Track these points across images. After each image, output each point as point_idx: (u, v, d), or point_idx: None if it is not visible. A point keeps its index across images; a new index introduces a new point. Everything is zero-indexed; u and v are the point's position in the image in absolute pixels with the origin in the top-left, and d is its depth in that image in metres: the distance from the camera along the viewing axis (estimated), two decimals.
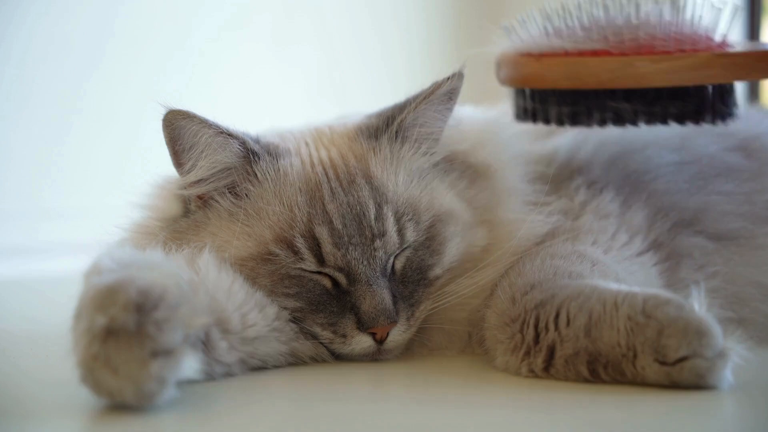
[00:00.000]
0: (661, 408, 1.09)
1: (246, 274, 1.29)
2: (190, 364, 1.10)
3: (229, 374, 1.25)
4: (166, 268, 1.19)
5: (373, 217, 1.30)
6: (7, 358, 1.45)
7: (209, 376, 1.22)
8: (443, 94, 1.35)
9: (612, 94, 1.33)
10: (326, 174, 1.33)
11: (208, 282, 1.24)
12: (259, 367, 1.29)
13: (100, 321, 1.06)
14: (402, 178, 1.35)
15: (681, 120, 1.32)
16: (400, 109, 1.37)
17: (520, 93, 1.45)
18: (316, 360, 1.33)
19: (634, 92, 1.32)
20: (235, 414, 1.10)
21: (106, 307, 1.07)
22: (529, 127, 1.53)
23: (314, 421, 1.09)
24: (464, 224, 1.38)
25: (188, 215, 1.35)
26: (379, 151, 1.36)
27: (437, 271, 1.35)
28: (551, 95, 1.38)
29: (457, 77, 1.35)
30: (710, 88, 1.31)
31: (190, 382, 1.14)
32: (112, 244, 1.33)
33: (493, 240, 1.39)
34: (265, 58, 3.44)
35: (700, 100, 1.31)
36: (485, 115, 1.58)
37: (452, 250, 1.36)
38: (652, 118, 1.33)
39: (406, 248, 1.32)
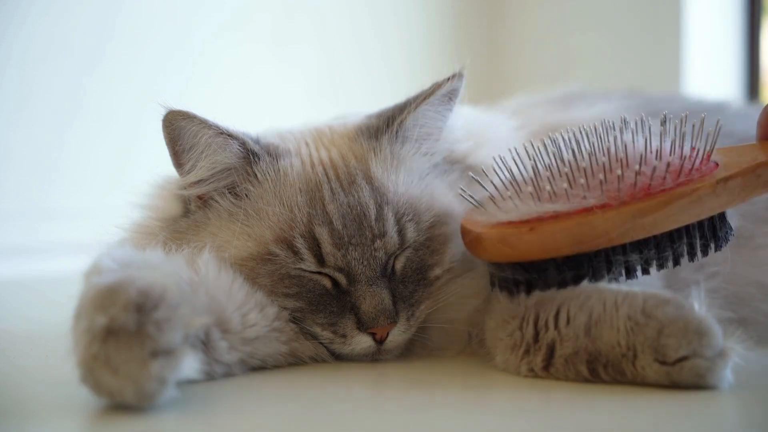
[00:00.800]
0: (661, 408, 1.09)
1: (246, 274, 1.29)
2: (190, 364, 1.10)
3: (229, 374, 1.25)
4: (166, 268, 1.19)
5: (373, 217, 1.30)
6: (7, 358, 1.45)
7: (209, 376, 1.22)
8: (443, 94, 1.35)
9: (619, 248, 1.18)
10: (326, 174, 1.33)
11: (208, 282, 1.24)
12: (259, 367, 1.29)
13: (100, 321, 1.06)
14: (402, 178, 1.36)
15: (692, 257, 1.21)
16: (400, 109, 1.37)
17: (507, 266, 1.26)
18: (316, 360, 1.33)
19: (641, 242, 1.18)
20: (235, 414, 1.10)
21: (106, 306, 1.07)
22: (528, 126, 1.53)
23: (314, 421, 1.09)
24: None
25: (188, 215, 1.35)
26: (380, 151, 1.36)
27: (437, 271, 1.35)
28: (549, 262, 1.22)
29: (457, 78, 1.35)
30: (708, 219, 1.20)
31: (190, 382, 1.14)
32: (112, 244, 1.33)
33: None
34: (265, 58, 3.44)
35: (703, 231, 1.20)
36: (484, 115, 1.58)
37: (452, 250, 1.36)
38: (663, 263, 1.20)
39: (406, 248, 1.33)
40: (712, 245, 1.21)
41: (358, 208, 1.30)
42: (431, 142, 1.39)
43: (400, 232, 1.31)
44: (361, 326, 1.28)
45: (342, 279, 1.29)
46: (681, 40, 3.28)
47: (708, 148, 1.20)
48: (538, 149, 1.25)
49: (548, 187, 1.21)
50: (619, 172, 1.18)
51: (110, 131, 3.15)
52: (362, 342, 1.29)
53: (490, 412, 1.11)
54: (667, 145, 1.20)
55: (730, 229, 1.24)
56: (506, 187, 1.26)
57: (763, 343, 1.37)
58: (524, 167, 1.26)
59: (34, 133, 3.04)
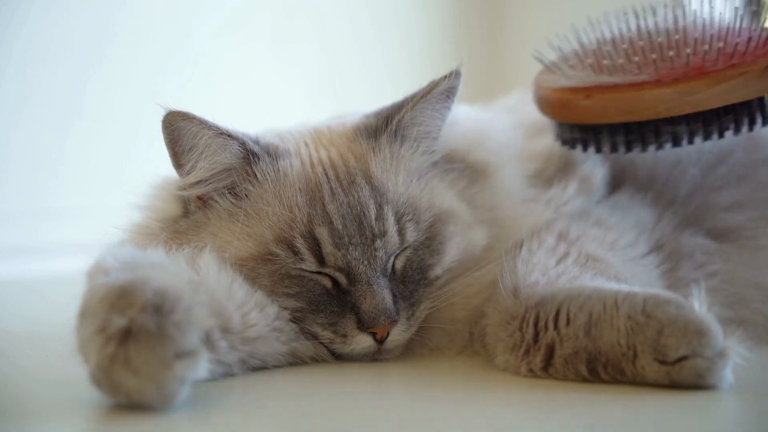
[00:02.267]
0: (660, 408, 1.09)
1: (246, 275, 1.29)
2: (204, 365, 1.10)
3: (229, 374, 1.25)
4: (172, 268, 1.19)
5: (373, 217, 1.30)
6: (7, 358, 1.45)
7: (209, 376, 1.22)
8: (440, 92, 1.35)
9: (668, 119, 1.31)
10: (326, 174, 1.33)
11: (209, 281, 1.24)
12: (259, 367, 1.29)
13: (117, 322, 1.06)
14: (402, 178, 1.36)
15: (736, 131, 1.32)
16: (398, 108, 1.37)
17: (566, 125, 1.42)
18: (316, 360, 1.33)
19: (689, 115, 1.30)
20: (234, 414, 1.10)
21: (122, 307, 1.07)
22: (526, 124, 1.53)
23: (314, 422, 1.09)
24: (464, 224, 1.38)
25: (188, 216, 1.35)
26: (379, 151, 1.36)
27: (437, 270, 1.35)
28: (603, 127, 1.36)
29: (455, 76, 1.35)
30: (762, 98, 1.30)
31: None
32: (113, 244, 1.32)
33: (494, 239, 1.39)
34: (265, 58, 3.44)
35: (750, 110, 1.30)
36: (482, 113, 1.58)
37: (452, 249, 1.36)
38: (708, 135, 1.31)
39: (406, 248, 1.33)
40: (759, 122, 1.31)
41: (358, 207, 1.30)
42: (430, 141, 1.39)
43: (400, 231, 1.31)
44: (362, 326, 1.28)
45: (342, 279, 1.29)
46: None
47: (764, 33, 1.30)
48: (604, 23, 1.39)
49: (606, 60, 1.34)
50: (672, 52, 1.29)
51: (110, 131, 3.14)
52: (363, 342, 1.29)
53: (490, 411, 1.11)
54: (723, 27, 1.30)
55: None
56: (573, 56, 1.40)
57: (763, 344, 1.37)
58: (589, 38, 1.40)
59: (34, 133, 3.04)
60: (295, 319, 1.31)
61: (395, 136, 1.37)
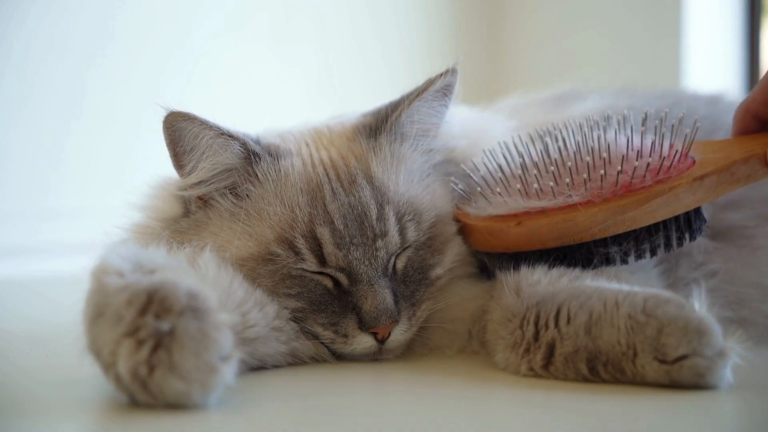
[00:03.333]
0: (661, 408, 1.09)
1: (247, 275, 1.29)
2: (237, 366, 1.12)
3: None
4: (183, 269, 1.19)
5: (374, 217, 1.30)
6: (7, 358, 1.45)
7: None
8: (437, 90, 1.35)
9: (600, 241, 1.27)
10: (327, 174, 1.33)
11: (208, 280, 1.24)
12: (258, 367, 1.29)
13: (156, 326, 1.05)
14: (402, 177, 1.36)
15: (668, 248, 1.29)
16: (394, 106, 1.37)
17: (495, 256, 1.35)
18: (316, 360, 1.33)
19: (621, 236, 1.27)
20: (233, 414, 1.10)
21: (157, 311, 1.06)
22: (524, 126, 1.53)
23: (314, 422, 1.09)
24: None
25: (189, 215, 1.35)
26: (379, 150, 1.36)
27: (439, 271, 1.35)
28: (536, 253, 1.31)
29: (451, 73, 1.35)
30: (684, 213, 1.27)
31: None
32: (114, 243, 1.32)
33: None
34: (265, 58, 3.45)
35: (678, 225, 1.28)
36: (481, 115, 1.58)
37: (453, 250, 1.36)
38: (641, 254, 1.28)
39: (407, 248, 1.33)
40: (687, 237, 1.28)
41: (359, 207, 1.30)
42: (429, 140, 1.39)
43: (401, 231, 1.32)
44: (363, 326, 1.28)
45: (343, 279, 1.29)
46: (681, 39, 3.28)
47: (686, 146, 1.27)
48: (526, 145, 1.34)
49: (535, 185, 1.29)
50: (602, 171, 1.26)
51: (110, 131, 3.15)
52: (364, 342, 1.29)
53: (490, 412, 1.11)
54: (647, 143, 1.27)
55: (704, 221, 1.30)
56: (496, 182, 1.34)
57: (763, 344, 1.37)
58: (513, 163, 1.34)
59: (34, 133, 3.04)
60: (295, 319, 1.31)
61: (394, 135, 1.37)
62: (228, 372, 1.08)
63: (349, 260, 1.28)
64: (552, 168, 1.29)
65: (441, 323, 1.36)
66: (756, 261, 1.44)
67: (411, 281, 1.33)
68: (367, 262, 1.28)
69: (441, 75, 1.35)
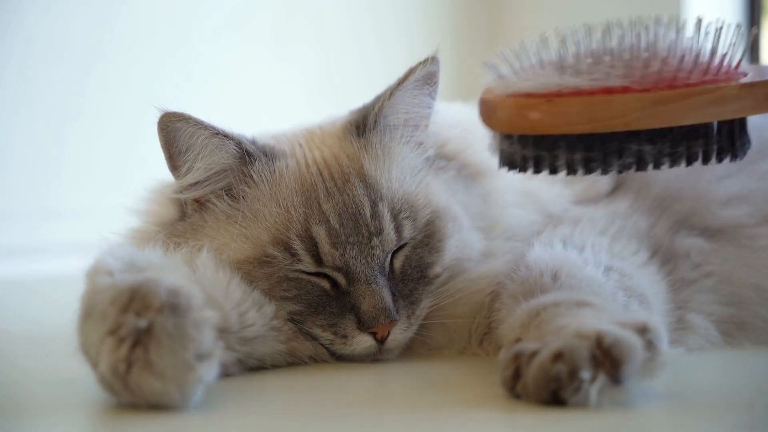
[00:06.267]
0: (661, 407, 1.09)
1: (244, 277, 1.29)
2: (217, 365, 1.11)
3: (225, 374, 1.24)
4: (176, 269, 1.19)
5: (368, 215, 1.30)
6: (7, 358, 1.45)
7: None
8: (418, 79, 1.34)
9: (633, 135, 1.17)
10: (321, 174, 1.33)
11: (206, 280, 1.24)
12: (256, 367, 1.29)
13: (134, 323, 1.05)
14: (395, 174, 1.35)
15: (705, 159, 1.20)
16: (377, 98, 1.37)
17: (514, 139, 1.23)
18: (315, 360, 1.33)
19: (657, 133, 1.17)
20: (232, 415, 1.10)
21: (137, 309, 1.06)
22: None
23: (313, 423, 1.09)
24: (462, 226, 1.38)
25: (185, 218, 1.35)
26: (370, 147, 1.36)
27: (437, 268, 1.35)
28: (560, 141, 1.19)
29: (431, 61, 1.34)
30: (728, 123, 1.19)
31: None
32: (111, 245, 1.32)
33: (490, 247, 1.39)
34: (265, 57, 3.44)
35: (721, 137, 1.20)
36: (475, 111, 1.57)
37: (451, 247, 1.36)
38: (676, 160, 1.19)
39: (403, 245, 1.32)
40: (729, 153, 1.20)
41: (353, 206, 1.30)
42: (418, 132, 1.39)
43: (397, 229, 1.31)
44: (362, 326, 1.28)
45: (341, 279, 1.29)
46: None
47: (739, 55, 1.20)
48: (568, 32, 1.23)
49: (572, 62, 1.20)
50: (645, 59, 1.17)
51: (110, 131, 3.14)
52: (363, 342, 1.29)
53: (490, 413, 1.11)
54: (696, 45, 1.20)
55: (749, 142, 1.22)
56: (529, 59, 1.23)
57: (760, 346, 1.37)
58: (551, 46, 1.23)
59: (34, 133, 3.04)
60: (294, 321, 1.31)
61: (381, 128, 1.36)
62: (205, 370, 1.07)
63: (345, 259, 1.28)
64: (592, 48, 1.21)
65: (441, 319, 1.35)
66: (756, 262, 1.43)
67: (409, 280, 1.33)
68: (363, 261, 1.28)
69: (420, 64, 1.34)
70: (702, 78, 1.18)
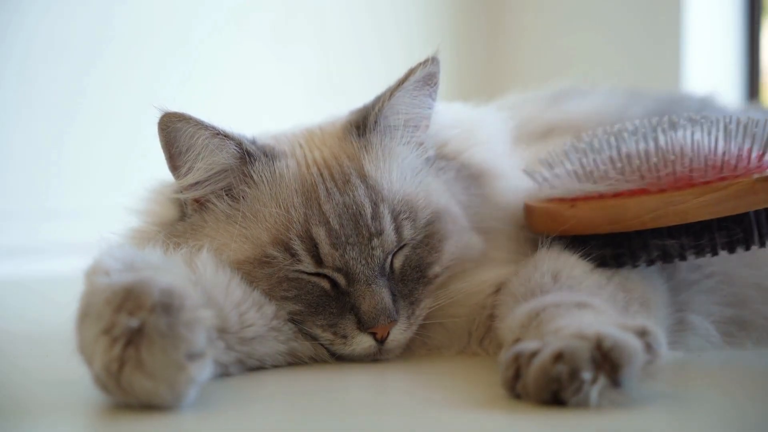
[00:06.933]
0: (661, 407, 1.09)
1: (244, 277, 1.29)
2: (211, 365, 1.11)
3: (225, 374, 1.25)
4: (175, 269, 1.19)
5: (369, 216, 1.30)
6: (7, 358, 1.45)
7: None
8: (418, 80, 1.34)
9: (656, 232, 1.26)
10: (321, 175, 1.33)
11: (206, 280, 1.24)
12: (256, 367, 1.29)
13: (127, 322, 1.06)
14: (396, 174, 1.35)
15: (731, 249, 1.26)
16: (377, 99, 1.37)
17: (555, 238, 1.35)
18: (315, 360, 1.33)
19: (678, 228, 1.25)
20: (232, 415, 1.10)
21: (130, 308, 1.06)
22: (521, 124, 1.53)
23: (313, 422, 1.09)
24: (461, 227, 1.38)
25: (185, 219, 1.35)
26: (371, 148, 1.36)
27: (436, 269, 1.35)
28: (591, 239, 1.31)
29: (431, 62, 1.34)
30: (753, 214, 1.24)
31: None
32: (111, 245, 1.32)
33: (490, 247, 1.39)
34: (265, 57, 3.44)
35: (745, 226, 1.25)
36: (474, 110, 1.58)
37: (451, 247, 1.36)
38: (700, 251, 1.26)
39: (403, 246, 1.32)
40: (756, 242, 1.25)
41: (354, 207, 1.30)
42: (418, 132, 1.39)
43: (397, 229, 1.31)
44: (362, 326, 1.28)
45: (341, 279, 1.29)
46: (681, 39, 3.28)
47: (760, 148, 1.24)
48: (596, 140, 1.34)
49: (591, 169, 1.31)
50: (660, 162, 1.25)
51: (110, 131, 3.14)
52: (363, 342, 1.29)
53: (490, 411, 1.11)
54: (711, 141, 1.25)
55: None
56: (561, 167, 1.36)
57: (762, 344, 1.37)
58: (578, 155, 1.35)
59: (34, 133, 3.04)
60: (294, 321, 1.31)
61: (381, 129, 1.36)
62: (197, 370, 1.07)
63: (345, 260, 1.28)
64: (613, 156, 1.30)
65: (441, 320, 1.35)
66: (756, 262, 1.44)
67: (409, 280, 1.33)
68: (363, 262, 1.28)
69: (421, 64, 1.34)
70: (717, 174, 1.23)
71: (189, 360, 1.06)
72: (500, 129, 1.51)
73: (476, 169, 1.43)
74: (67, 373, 1.12)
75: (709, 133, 1.26)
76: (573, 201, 1.31)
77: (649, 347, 1.08)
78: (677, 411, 1.09)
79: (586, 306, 1.18)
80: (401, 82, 1.34)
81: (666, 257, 1.28)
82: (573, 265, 1.30)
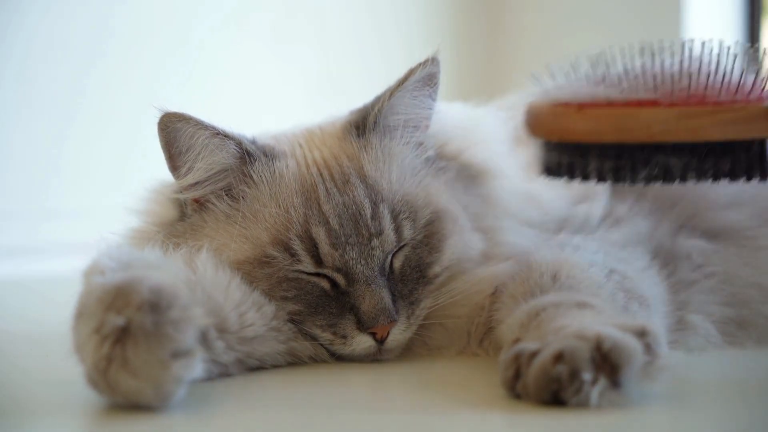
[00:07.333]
0: (662, 407, 1.09)
1: (243, 277, 1.29)
2: (200, 364, 1.10)
3: (225, 374, 1.25)
4: (169, 267, 1.19)
5: (369, 216, 1.30)
6: (7, 358, 1.45)
7: (205, 377, 1.21)
8: (418, 80, 1.34)
9: (660, 148, 1.23)
10: (321, 175, 1.33)
11: (206, 281, 1.24)
12: (256, 367, 1.29)
13: (114, 321, 1.06)
14: (395, 174, 1.35)
15: (733, 176, 1.23)
16: (377, 99, 1.37)
17: (552, 146, 1.32)
18: (315, 360, 1.33)
19: (684, 147, 1.22)
20: (231, 415, 1.10)
21: (118, 307, 1.07)
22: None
23: (313, 423, 1.09)
24: (461, 227, 1.38)
25: (185, 219, 1.35)
26: (370, 148, 1.36)
27: (436, 269, 1.35)
28: (592, 149, 1.26)
29: (431, 62, 1.34)
30: (759, 144, 1.22)
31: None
32: (110, 245, 1.32)
33: (490, 248, 1.39)
34: (265, 57, 3.44)
35: (749, 156, 1.23)
36: (474, 110, 1.58)
37: (451, 247, 1.36)
38: (702, 175, 1.23)
39: (403, 246, 1.32)
40: (758, 174, 1.23)
41: (354, 207, 1.30)
42: (418, 132, 1.39)
43: (397, 230, 1.31)
44: (362, 326, 1.28)
45: (341, 279, 1.29)
46: (681, 39, 3.28)
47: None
48: (609, 56, 1.29)
49: (605, 77, 1.27)
50: (675, 76, 1.23)
51: (110, 131, 3.14)
52: (363, 342, 1.29)
53: (490, 411, 1.11)
54: (727, 66, 1.23)
55: None
56: (570, 74, 1.32)
57: (763, 344, 1.37)
58: (588, 65, 1.31)
59: (34, 133, 3.04)
60: (293, 321, 1.31)
61: (381, 129, 1.36)
62: (182, 369, 1.06)
63: (345, 260, 1.28)
64: (626, 67, 1.27)
65: (441, 320, 1.35)
66: (757, 262, 1.43)
67: (409, 280, 1.33)
68: (363, 262, 1.28)
69: (421, 65, 1.34)
70: (731, 98, 1.21)
71: (173, 358, 1.06)
72: (500, 129, 1.51)
73: (476, 169, 1.43)
74: (67, 373, 1.12)
75: (728, 55, 1.25)
76: (581, 105, 1.27)
77: (648, 348, 1.08)
78: (677, 411, 1.09)
79: (586, 305, 1.18)
80: (401, 83, 1.34)
81: (667, 176, 1.24)
82: (572, 265, 1.30)
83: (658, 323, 1.26)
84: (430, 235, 1.35)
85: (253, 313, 1.27)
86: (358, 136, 1.37)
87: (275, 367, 1.30)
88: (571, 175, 1.29)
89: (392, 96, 1.34)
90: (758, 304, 1.41)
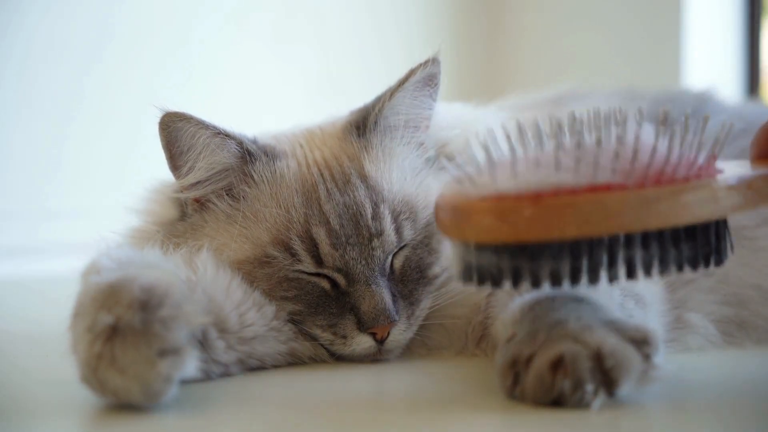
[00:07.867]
0: (662, 407, 1.09)
1: (244, 277, 1.29)
2: (192, 363, 1.10)
3: (226, 374, 1.25)
4: (165, 267, 1.19)
5: (369, 216, 1.30)
6: (7, 358, 1.45)
7: (206, 376, 1.22)
8: (418, 80, 1.34)
9: (625, 241, 1.05)
10: (321, 175, 1.33)
11: (206, 280, 1.24)
12: (257, 367, 1.29)
13: (104, 319, 1.06)
14: (396, 175, 1.35)
15: (693, 264, 1.08)
16: (377, 99, 1.37)
17: (487, 249, 1.06)
18: (315, 360, 1.33)
19: (648, 236, 1.05)
20: (231, 415, 1.10)
21: (109, 305, 1.07)
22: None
23: (313, 423, 1.09)
24: None
25: (185, 218, 1.35)
26: (371, 148, 1.36)
27: (436, 269, 1.35)
28: (545, 249, 1.04)
29: (432, 63, 1.34)
30: (714, 226, 1.09)
31: (187, 382, 1.14)
32: (109, 245, 1.32)
33: None
34: (265, 57, 3.45)
35: (706, 239, 1.09)
36: (474, 110, 1.58)
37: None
38: (665, 266, 1.07)
39: (404, 246, 1.32)
40: (715, 258, 1.11)
41: (354, 207, 1.30)
42: (419, 133, 1.39)
43: (398, 230, 1.32)
44: (362, 326, 1.28)
45: (341, 279, 1.29)
46: (681, 39, 3.28)
47: (716, 149, 1.10)
48: (537, 128, 1.09)
49: (551, 158, 1.04)
50: (631, 155, 1.04)
51: (110, 131, 3.15)
52: (363, 342, 1.29)
53: (489, 411, 1.11)
54: (672, 140, 1.08)
55: (732, 244, 1.14)
56: (499, 155, 1.08)
57: (762, 345, 1.37)
58: (523, 142, 1.09)
59: (34, 133, 3.04)
60: (294, 321, 1.31)
61: (382, 129, 1.36)
62: (170, 368, 1.06)
63: (345, 260, 1.28)
64: (574, 143, 1.05)
65: (440, 320, 1.35)
66: (756, 262, 1.43)
67: (409, 280, 1.33)
68: (363, 262, 1.28)
69: (421, 65, 1.33)
70: (689, 172, 1.07)
71: (161, 357, 1.06)
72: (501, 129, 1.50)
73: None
74: (67, 373, 1.12)
75: (669, 132, 1.08)
76: (536, 197, 1.03)
77: (647, 358, 1.07)
78: (677, 411, 1.09)
79: (581, 300, 1.17)
80: (401, 83, 1.34)
81: (630, 272, 1.05)
82: None
83: (655, 323, 1.25)
84: (430, 236, 1.35)
85: (253, 313, 1.27)
86: (359, 136, 1.37)
87: (275, 367, 1.31)
88: (516, 282, 1.06)
89: (393, 96, 1.35)
90: (757, 305, 1.41)
